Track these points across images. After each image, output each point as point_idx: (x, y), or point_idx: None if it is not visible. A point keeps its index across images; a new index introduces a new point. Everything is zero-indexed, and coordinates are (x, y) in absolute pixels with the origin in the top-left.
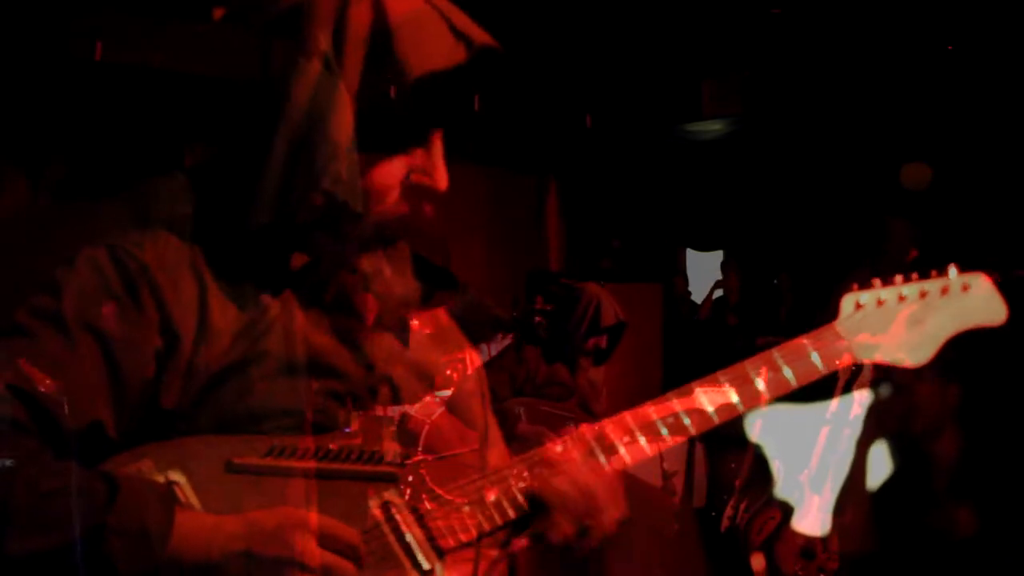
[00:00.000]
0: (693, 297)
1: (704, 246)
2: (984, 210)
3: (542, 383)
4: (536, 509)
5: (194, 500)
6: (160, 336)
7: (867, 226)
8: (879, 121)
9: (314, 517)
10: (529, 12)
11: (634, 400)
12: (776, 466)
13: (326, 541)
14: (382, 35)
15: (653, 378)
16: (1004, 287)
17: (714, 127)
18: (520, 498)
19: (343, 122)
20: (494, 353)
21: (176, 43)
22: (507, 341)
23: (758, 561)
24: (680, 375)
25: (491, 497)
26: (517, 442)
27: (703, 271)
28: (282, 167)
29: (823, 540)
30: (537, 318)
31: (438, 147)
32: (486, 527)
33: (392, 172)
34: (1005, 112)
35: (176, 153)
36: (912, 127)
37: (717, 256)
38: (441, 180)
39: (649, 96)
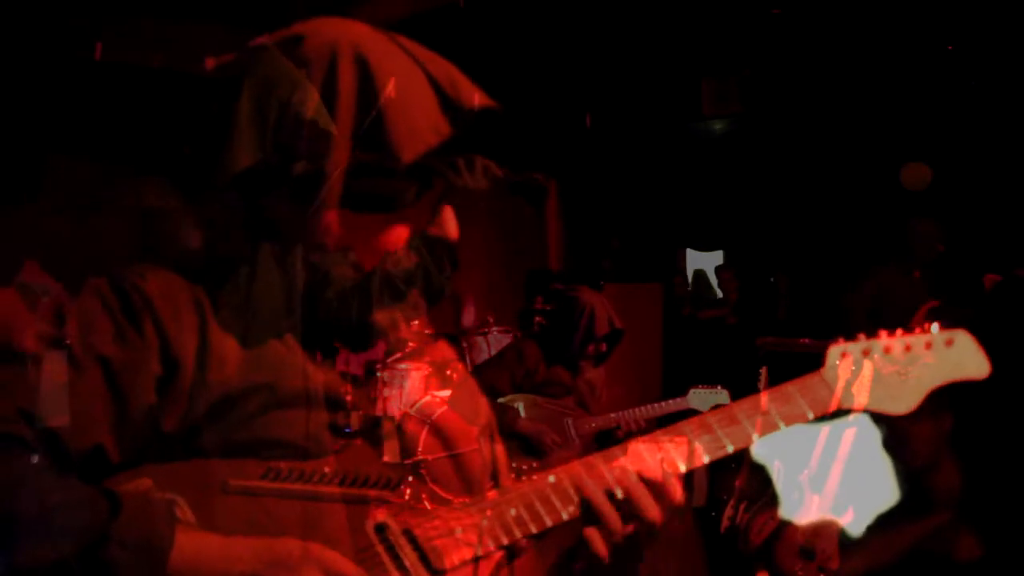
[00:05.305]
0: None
1: (704, 246)
2: (983, 210)
3: (541, 382)
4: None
5: (191, 520)
6: (161, 363)
7: (890, 226)
8: (879, 121)
9: (323, 550)
10: (529, 13)
11: (634, 399)
12: (775, 467)
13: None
14: (373, 114)
15: (653, 378)
16: (1005, 286)
17: (714, 126)
18: (514, 527)
19: (306, 88)
20: (494, 351)
21: (176, 43)
22: (507, 339)
23: None
24: (680, 375)
25: (485, 523)
26: (517, 440)
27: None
28: (247, 120)
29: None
30: (537, 317)
31: (442, 205)
32: (482, 551)
33: (398, 233)
34: (1003, 111)
35: (175, 152)
36: (912, 127)
37: (717, 256)
38: (451, 230)
39: (649, 96)
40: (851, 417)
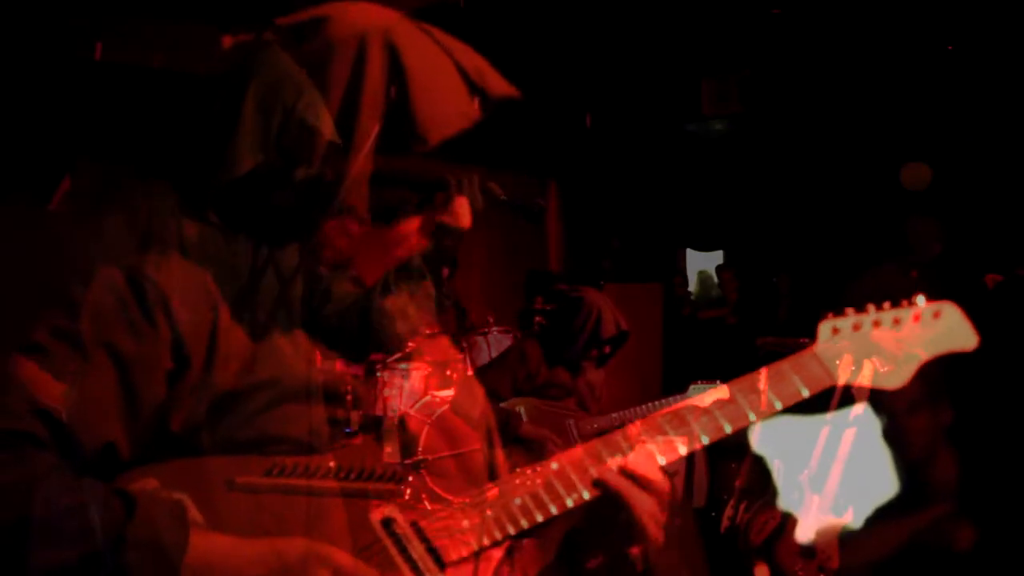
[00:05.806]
0: (693, 297)
1: (704, 246)
2: (983, 210)
3: (542, 384)
4: (535, 528)
5: (198, 518)
6: (171, 357)
7: (890, 225)
8: (879, 121)
9: (329, 549)
10: (529, 13)
11: (634, 400)
12: (775, 467)
13: None
14: (400, 100)
15: (653, 378)
16: (1007, 286)
17: (714, 126)
18: (520, 516)
19: (311, 91)
20: (494, 351)
21: (176, 43)
22: (507, 339)
23: (762, 572)
24: (680, 375)
25: (490, 513)
26: (521, 445)
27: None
28: (251, 122)
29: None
30: (537, 317)
31: (456, 197)
32: (486, 542)
33: (412, 223)
34: (1003, 111)
35: (177, 153)
36: (912, 127)
37: (717, 256)
38: (464, 219)
39: (649, 96)
40: (851, 415)
